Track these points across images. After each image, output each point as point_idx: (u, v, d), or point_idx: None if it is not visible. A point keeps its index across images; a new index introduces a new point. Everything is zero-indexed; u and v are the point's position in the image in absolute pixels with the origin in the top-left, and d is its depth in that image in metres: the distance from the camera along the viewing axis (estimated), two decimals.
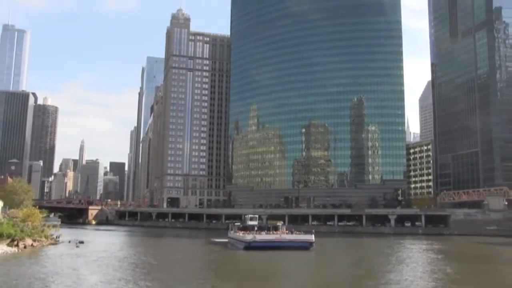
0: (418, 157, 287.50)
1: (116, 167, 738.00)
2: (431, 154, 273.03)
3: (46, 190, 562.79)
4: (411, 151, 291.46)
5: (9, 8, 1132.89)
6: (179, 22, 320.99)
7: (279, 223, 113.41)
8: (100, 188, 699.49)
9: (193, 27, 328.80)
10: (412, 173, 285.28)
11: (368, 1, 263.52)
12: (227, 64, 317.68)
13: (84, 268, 65.44)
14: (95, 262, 72.50)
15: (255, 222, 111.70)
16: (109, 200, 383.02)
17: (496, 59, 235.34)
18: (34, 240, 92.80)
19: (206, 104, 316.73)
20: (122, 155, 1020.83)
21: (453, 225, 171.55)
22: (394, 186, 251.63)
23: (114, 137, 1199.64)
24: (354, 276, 63.39)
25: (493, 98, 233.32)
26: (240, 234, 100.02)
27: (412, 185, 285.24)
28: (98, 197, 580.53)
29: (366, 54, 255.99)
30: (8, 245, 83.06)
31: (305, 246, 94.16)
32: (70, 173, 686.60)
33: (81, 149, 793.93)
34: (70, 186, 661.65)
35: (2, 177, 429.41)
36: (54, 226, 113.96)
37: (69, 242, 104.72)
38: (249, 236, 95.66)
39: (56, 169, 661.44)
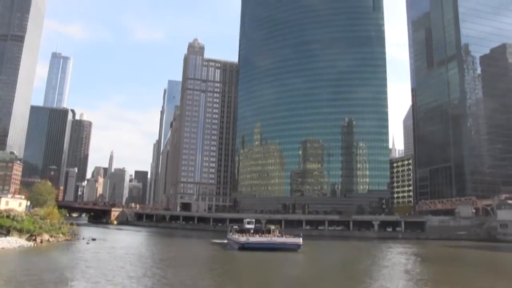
0: (400, 171, 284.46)
1: (140, 175, 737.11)
2: (411, 168, 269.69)
3: (79, 193, 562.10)
4: (395, 165, 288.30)
5: (57, 38, 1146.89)
6: (194, 50, 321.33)
7: (273, 227, 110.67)
8: (125, 193, 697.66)
9: (207, 54, 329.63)
10: (395, 184, 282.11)
11: (357, 35, 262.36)
12: (235, 87, 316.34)
13: (82, 262, 63.29)
14: (96, 256, 70.94)
15: (251, 226, 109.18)
16: (133, 204, 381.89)
17: (466, 87, 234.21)
18: (51, 236, 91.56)
19: (216, 121, 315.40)
20: (146, 164, 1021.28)
21: (429, 230, 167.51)
22: (379, 196, 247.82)
23: (139, 149, 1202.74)
24: (333, 274, 61.02)
25: (463, 120, 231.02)
26: (236, 236, 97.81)
27: (395, 195, 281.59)
28: (124, 201, 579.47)
29: (355, 79, 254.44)
30: (27, 239, 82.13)
31: (293, 248, 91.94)
32: (101, 179, 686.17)
33: (111, 158, 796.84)
34: (100, 190, 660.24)
35: (43, 180, 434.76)
36: (71, 224, 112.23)
37: (83, 238, 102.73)
38: (243, 238, 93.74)
39: (88, 175, 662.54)
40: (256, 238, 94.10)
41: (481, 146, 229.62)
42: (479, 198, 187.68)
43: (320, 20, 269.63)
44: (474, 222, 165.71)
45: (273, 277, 58.25)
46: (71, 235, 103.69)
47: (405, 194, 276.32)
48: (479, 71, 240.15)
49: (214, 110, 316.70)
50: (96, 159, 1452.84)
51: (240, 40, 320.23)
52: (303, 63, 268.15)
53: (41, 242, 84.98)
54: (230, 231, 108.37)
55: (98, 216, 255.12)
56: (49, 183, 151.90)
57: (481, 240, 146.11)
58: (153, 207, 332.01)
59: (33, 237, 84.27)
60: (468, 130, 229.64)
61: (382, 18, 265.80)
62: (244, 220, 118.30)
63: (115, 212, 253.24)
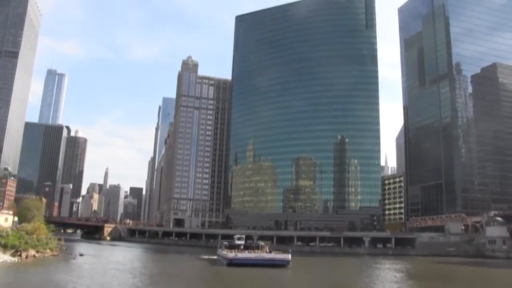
0: (392, 188, 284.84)
1: (135, 191, 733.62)
2: (403, 185, 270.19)
3: (74, 209, 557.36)
4: (386, 182, 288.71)
5: (53, 56, 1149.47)
6: (188, 67, 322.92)
7: (262, 243, 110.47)
8: (120, 209, 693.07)
9: (201, 72, 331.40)
10: (387, 201, 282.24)
11: (350, 53, 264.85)
12: (229, 104, 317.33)
13: (63, 277, 62.82)
14: (79, 271, 70.17)
15: (242, 242, 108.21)
16: (127, 220, 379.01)
17: (457, 105, 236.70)
18: (37, 251, 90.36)
19: (209, 138, 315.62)
20: (141, 181, 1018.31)
21: (419, 246, 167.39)
22: (370, 213, 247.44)
23: (135, 165, 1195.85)
24: None
25: (454, 138, 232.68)
26: (225, 252, 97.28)
27: (387, 212, 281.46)
28: (118, 217, 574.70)
29: (348, 97, 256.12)
30: (12, 255, 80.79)
31: (282, 264, 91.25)
32: (96, 196, 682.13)
33: (106, 175, 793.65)
34: (95, 206, 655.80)
35: (37, 197, 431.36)
36: (59, 239, 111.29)
37: (71, 254, 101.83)
38: (231, 254, 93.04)
39: (84, 191, 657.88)
40: (245, 254, 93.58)
41: (471, 164, 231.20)
42: (469, 215, 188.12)
43: (313, 38, 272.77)
44: (464, 238, 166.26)
45: None
46: (58, 250, 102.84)
47: (397, 211, 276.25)
48: (470, 90, 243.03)
49: (208, 127, 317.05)
50: (91, 175, 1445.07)
51: (233, 57, 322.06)
52: (296, 81, 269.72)
53: (26, 257, 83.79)
54: (220, 247, 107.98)
55: (91, 232, 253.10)
56: (38, 199, 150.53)
57: (470, 256, 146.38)
58: (145, 223, 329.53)
59: (18, 253, 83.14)
60: (459, 148, 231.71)
61: (375, 37, 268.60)
62: (234, 236, 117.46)
63: (108, 228, 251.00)
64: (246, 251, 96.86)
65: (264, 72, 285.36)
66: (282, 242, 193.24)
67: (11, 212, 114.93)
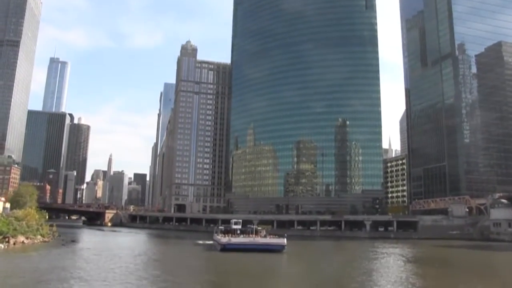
0: (394, 170, 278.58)
1: (139, 178, 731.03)
2: (405, 167, 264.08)
3: (78, 196, 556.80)
4: (389, 164, 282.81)
5: (55, 44, 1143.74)
6: (187, 52, 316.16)
7: (259, 227, 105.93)
8: (125, 195, 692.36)
9: (201, 56, 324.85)
10: (389, 184, 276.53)
11: (350, 34, 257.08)
12: (228, 88, 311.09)
13: (43, 264, 58.74)
14: (61, 258, 66.36)
15: (238, 226, 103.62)
16: (130, 206, 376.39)
17: (461, 86, 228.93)
18: (27, 238, 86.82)
19: (210, 122, 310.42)
20: (145, 167, 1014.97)
21: (421, 230, 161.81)
22: (372, 196, 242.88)
23: (138, 152, 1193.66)
24: (312, 278, 55.43)
25: (458, 119, 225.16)
26: (219, 237, 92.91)
27: (390, 195, 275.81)
28: (123, 203, 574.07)
29: (348, 79, 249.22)
30: (0, 241, 77.38)
31: (277, 249, 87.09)
32: (100, 182, 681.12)
33: (110, 161, 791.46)
34: (99, 193, 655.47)
35: (42, 184, 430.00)
36: (51, 225, 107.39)
37: (63, 240, 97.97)
38: (224, 239, 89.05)
39: (88, 178, 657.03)
40: (238, 239, 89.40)
41: (476, 145, 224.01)
42: (473, 197, 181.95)
43: (312, 20, 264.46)
44: (467, 221, 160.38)
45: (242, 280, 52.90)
46: (50, 236, 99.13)
47: (400, 194, 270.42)
48: (474, 70, 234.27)
49: (208, 112, 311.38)
50: (95, 162, 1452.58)
51: (232, 41, 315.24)
52: (296, 63, 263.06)
53: (14, 244, 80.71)
54: (216, 232, 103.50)
55: (93, 218, 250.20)
56: (31, 185, 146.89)
57: (474, 239, 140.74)
58: (148, 209, 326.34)
59: (6, 239, 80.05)
60: (463, 129, 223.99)
61: (375, 17, 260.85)
62: (231, 221, 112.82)
63: (109, 214, 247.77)
64: (241, 236, 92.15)
65: (262, 55, 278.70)
66: (283, 227, 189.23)
67: (3, 199, 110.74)
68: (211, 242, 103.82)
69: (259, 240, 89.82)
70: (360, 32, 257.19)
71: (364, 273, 61.47)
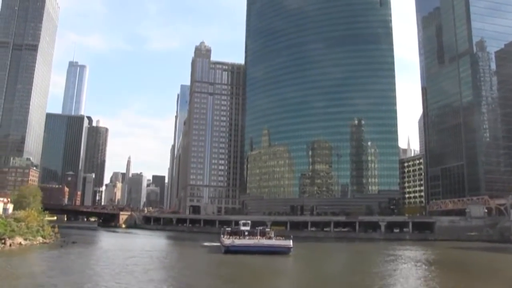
0: (412, 170, 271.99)
1: (158, 180, 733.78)
2: (423, 167, 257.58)
3: (97, 198, 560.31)
4: (406, 164, 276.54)
5: (74, 48, 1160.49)
6: (201, 53, 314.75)
7: (268, 229, 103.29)
8: (143, 197, 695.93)
9: (217, 58, 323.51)
10: (406, 184, 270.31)
11: (364, 32, 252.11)
12: (243, 89, 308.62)
13: (26, 265, 57.14)
14: (51, 261, 64.48)
15: (247, 228, 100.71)
16: (149, 208, 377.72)
17: (480, 83, 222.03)
18: (25, 239, 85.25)
19: (224, 123, 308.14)
20: (164, 169, 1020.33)
21: (438, 231, 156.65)
22: (389, 196, 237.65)
23: (157, 154, 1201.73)
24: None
25: (477, 118, 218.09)
26: (224, 239, 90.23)
27: (407, 195, 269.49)
28: (141, 205, 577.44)
29: (363, 78, 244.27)
30: None
31: (283, 251, 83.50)
32: (119, 184, 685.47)
33: (128, 164, 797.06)
34: (118, 195, 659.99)
35: (60, 186, 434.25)
36: (53, 227, 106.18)
37: (64, 241, 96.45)
38: (228, 241, 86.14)
39: (106, 180, 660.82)
40: (242, 241, 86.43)
41: (497, 144, 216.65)
42: (492, 197, 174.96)
43: (325, 18, 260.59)
44: (486, 222, 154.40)
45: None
46: (52, 238, 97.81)
47: (417, 195, 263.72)
48: (493, 66, 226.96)
49: (222, 113, 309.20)
50: (115, 165, 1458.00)
51: (246, 42, 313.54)
52: (309, 63, 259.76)
53: (10, 245, 79.00)
54: (223, 233, 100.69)
55: (107, 220, 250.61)
56: (35, 186, 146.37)
57: (493, 241, 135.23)
58: (160, 211, 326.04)
59: (2, 240, 78.57)
60: (482, 127, 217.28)
61: (390, 14, 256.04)
62: (240, 222, 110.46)
63: (123, 216, 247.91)
64: (247, 238, 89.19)
65: (276, 56, 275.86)
66: (296, 228, 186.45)
67: (5, 200, 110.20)
68: (218, 244, 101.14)
69: (264, 242, 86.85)
70: (374, 30, 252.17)
71: (374, 281, 57.52)
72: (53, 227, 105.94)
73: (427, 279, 57.51)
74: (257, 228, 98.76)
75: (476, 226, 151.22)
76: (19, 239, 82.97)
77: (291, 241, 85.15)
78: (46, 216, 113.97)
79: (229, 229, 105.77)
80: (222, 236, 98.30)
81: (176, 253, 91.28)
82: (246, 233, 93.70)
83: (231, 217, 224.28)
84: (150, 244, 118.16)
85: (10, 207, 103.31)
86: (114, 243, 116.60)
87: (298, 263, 77.92)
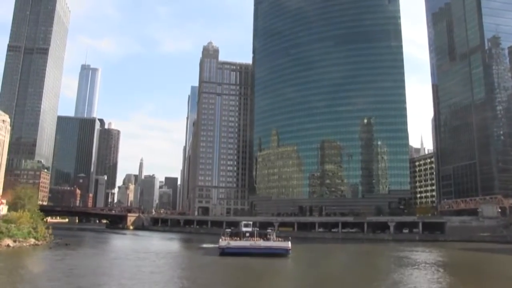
0: (423, 169, 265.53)
1: (170, 181, 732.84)
2: (434, 166, 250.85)
3: (110, 200, 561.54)
4: (417, 163, 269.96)
5: (86, 51, 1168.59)
6: (209, 53, 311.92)
7: (269, 230, 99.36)
8: (156, 199, 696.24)
9: (224, 58, 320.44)
10: (418, 184, 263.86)
11: (372, 29, 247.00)
12: (251, 89, 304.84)
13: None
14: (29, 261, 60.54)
15: (249, 229, 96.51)
16: (163, 210, 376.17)
17: (492, 79, 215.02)
18: (14, 241, 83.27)
19: (233, 124, 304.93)
20: (177, 170, 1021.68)
21: (449, 231, 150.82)
22: (399, 196, 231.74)
23: (170, 156, 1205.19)
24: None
25: (490, 115, 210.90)
26: (221, 240, 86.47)
27: (418, 195, 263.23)
28: (154, 207, 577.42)
29: (371, 76, 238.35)
30: None
31: (281, 253, 79.76)
32: (132, 186, 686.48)
33: (140, 166, 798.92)
34: (131, 197, 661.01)
35: (72, 188, 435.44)
36: (47, 228, 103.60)
37: (56, 243, 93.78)
38: (223, 242, 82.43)
39: (119, 182, 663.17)
40: (238, 243, 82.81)
41: (510, 141, 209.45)
42: (506, 197, 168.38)
43: (333, 16, 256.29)
44: (500, 222, 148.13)
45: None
46: (46, 239, 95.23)
47: (428, 194, 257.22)
48: (506, 62, 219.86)
49: (231, 113, 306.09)
50: (128, 167, 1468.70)
51: (253, 41, 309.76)
52: (317, 62, 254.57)
53: None
54: (223, 235, 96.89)
55: (115, 221, 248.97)
56: (32, 187, 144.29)
57: (507, 242, 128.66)
58: (168, 212, 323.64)
59: None
60: (494, 125, 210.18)
61: (398, 11, 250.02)
62: (241, 223, 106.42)
63: (131, 218, 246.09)
64: (244, 239, 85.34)
65: (284, 55, 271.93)
66: (304, 229, 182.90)
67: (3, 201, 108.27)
68: (217, 245, 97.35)
69: (261, 243, 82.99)
70: (383, 27, 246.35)
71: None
72: (47, 228, 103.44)
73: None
74: (254, 229, 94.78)
75: (489, 227, 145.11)
76: (7, 241, 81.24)
77: (289, 242, 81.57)
78: (52, 217, 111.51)
79: (229, 230, 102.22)
80: (222, 237, 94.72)
81: (168, 256, 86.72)
82: (247, 234, 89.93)
83: (238, 218, 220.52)
84: (145, 246, 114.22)
85: (4, 208, 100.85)
86: (108, 245, 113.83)
87: (294, 266, 73.71)
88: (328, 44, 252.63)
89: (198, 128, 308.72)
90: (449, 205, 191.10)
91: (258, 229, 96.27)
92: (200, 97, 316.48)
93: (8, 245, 79.59)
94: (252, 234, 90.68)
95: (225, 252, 79.72)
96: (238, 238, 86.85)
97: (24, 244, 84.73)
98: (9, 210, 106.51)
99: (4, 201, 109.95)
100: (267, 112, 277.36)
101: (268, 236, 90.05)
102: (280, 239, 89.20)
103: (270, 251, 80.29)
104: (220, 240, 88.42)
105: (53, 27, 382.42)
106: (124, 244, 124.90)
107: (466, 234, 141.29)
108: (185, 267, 69.11)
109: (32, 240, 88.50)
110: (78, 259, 74.49)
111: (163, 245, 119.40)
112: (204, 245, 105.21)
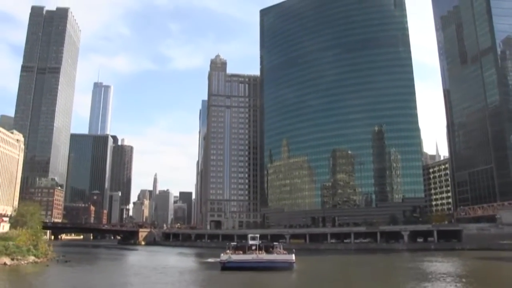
0: (437, 176, 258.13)
1: (185, 196, 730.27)
2: (449, 172, 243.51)
3: (124, 216, 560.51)
4: (431, 170, 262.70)
5: (98, 69, 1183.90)
6: (217, 66, 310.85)
7: (276, 243, 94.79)
8: (170, 214, 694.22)
9: (230, 70, 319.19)
10: (433, 191, 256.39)
11: (379, 35, 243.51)
12: (260, 101, 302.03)
13: None
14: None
15: (255, 242, 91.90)
16: (178, 224, 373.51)
17: (504, 81, 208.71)
18: (12, 259, 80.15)
19: (243, 136, 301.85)
20: (191, 185, 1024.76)
21: (465, 239, 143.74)
22: (414, 204, 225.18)
23: (184, 170, 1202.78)
24: None
25: (505, 117, 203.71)
26: (222, 254, 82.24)
27: (434, 202, 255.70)
28: (169, 222, 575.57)
29: (380, 82, 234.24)
30: None
31: (284, 267, 74.87)
32: (146, 202, 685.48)
33: (155, 181, 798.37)
34: (146, 213, 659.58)
35: (86, 205, 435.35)
36: (49, 245, 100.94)
37: (57, 261, 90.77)
38: (224, 256, 77.95)
39: (134, 198, 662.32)
40: (239, 256, 78.33)
41: None
42: None
43: (339, 23, 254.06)
44: None
45: None
46: (47, 256, 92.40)
47: (444, 201, 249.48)
48: None
49: (240, 125, 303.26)
50: (142, 183, 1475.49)
51: (260, 53, 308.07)
52: (324, 71, 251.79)
53: None
54: (228, 248, 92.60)
55: (127, 237, 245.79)
56: (34, 204, 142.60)
57: None
58: (179, 227, 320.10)
59: None
60: (510, 127, 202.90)
61: (405, 16, 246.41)
62: (248, 236, 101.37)
63: (142, 233, 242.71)
64: (248, 253, 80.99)
65: (291, 65, 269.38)
66: (316, 240, 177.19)
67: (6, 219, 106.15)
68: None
69: (264, 257, 78.30)
70: (390, 32, 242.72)
71: None
72: (49, 245, 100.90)
73: None
74: (261, 241, 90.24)
75: (509, 234, 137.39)
76: (4, 259, 78.37)
77: (293, 255, 76.76)
78: (67, 235, 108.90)
79: (234, 244, 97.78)
80: (227, 251, 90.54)
81: (165, 271, 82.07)
82: (253, 248, 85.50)
83: (248, 231, 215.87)
84: (146, 261, 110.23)
85: (5, 226, 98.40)
86: (107, 261, 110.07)
87: (294, 281, 68.75)
88: (335, 52, 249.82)
89: (208, 142, 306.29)
90: (465, 212, 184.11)
91: (265, 241, 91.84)
92: (209, 110, 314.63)
93: (4, 263, 76.94)
94: (257, 247, 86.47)
95: (226, 267, 75.34)
96: (242, 252, 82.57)
97: (23, 262, 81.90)
98: (11, 227, 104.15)
99: (6, 219, 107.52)
100: (277, 123, 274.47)
101: (271, 249, 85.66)
102: (284, 251, 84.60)
103: (273, 264, 75.71)
104: (222, 254, 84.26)
105: (64, 47, 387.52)
106: (126, 260, 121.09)
107: (484, 242, 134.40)
108: (179, 283, 64.70)
109: (32, 258, 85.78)
110: (68, 276, 71.13)
111: (166, 260, 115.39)
112: (210, 260, 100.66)
